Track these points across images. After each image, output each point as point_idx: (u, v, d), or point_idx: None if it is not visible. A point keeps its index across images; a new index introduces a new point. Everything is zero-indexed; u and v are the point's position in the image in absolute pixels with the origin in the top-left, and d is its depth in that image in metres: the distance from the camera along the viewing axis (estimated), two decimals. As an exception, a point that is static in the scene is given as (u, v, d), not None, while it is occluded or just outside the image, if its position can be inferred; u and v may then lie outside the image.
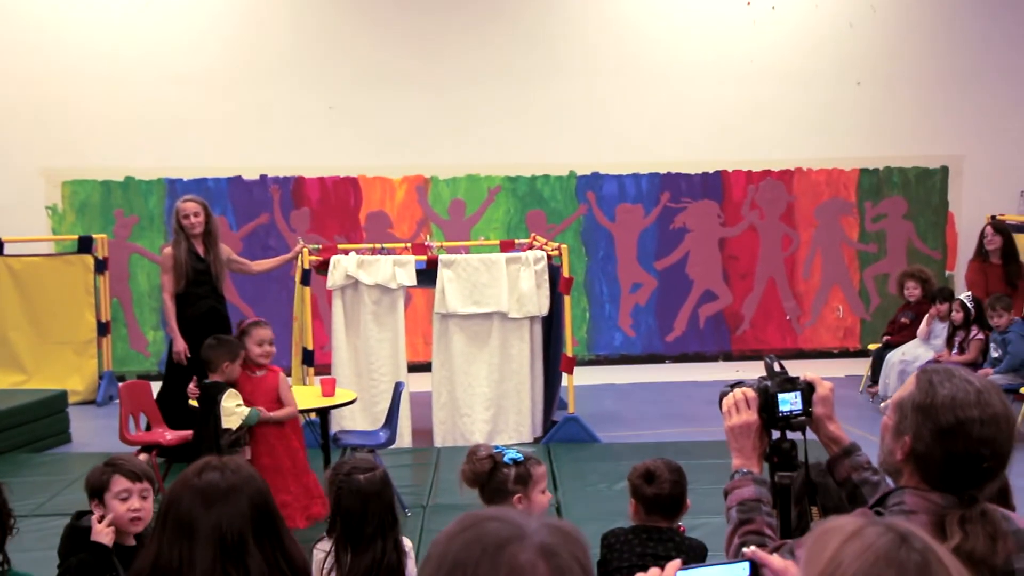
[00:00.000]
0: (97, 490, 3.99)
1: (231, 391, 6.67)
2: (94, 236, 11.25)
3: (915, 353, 9.95)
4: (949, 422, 2.43)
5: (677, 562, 2.11)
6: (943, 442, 2.43)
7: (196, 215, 8.65)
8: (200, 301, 8.67)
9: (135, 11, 11.85)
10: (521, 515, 1.55)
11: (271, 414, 6.75)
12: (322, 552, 4.16)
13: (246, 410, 6.61)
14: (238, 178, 12.10)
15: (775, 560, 2.24)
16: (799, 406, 2.86)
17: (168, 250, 8.74)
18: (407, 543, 4.25)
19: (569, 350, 9.30)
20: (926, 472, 2.47)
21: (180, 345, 8.60)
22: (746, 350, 12.50)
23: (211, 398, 6.65)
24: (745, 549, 2.28)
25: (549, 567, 1.49)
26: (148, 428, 8.19)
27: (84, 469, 4.16)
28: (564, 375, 9.40)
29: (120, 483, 3.94)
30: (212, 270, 8.71)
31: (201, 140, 11.97)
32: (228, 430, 6.61)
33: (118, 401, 8.23)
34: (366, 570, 4.03)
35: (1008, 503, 4.17)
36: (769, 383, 2.86)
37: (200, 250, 8.68)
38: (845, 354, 12.58)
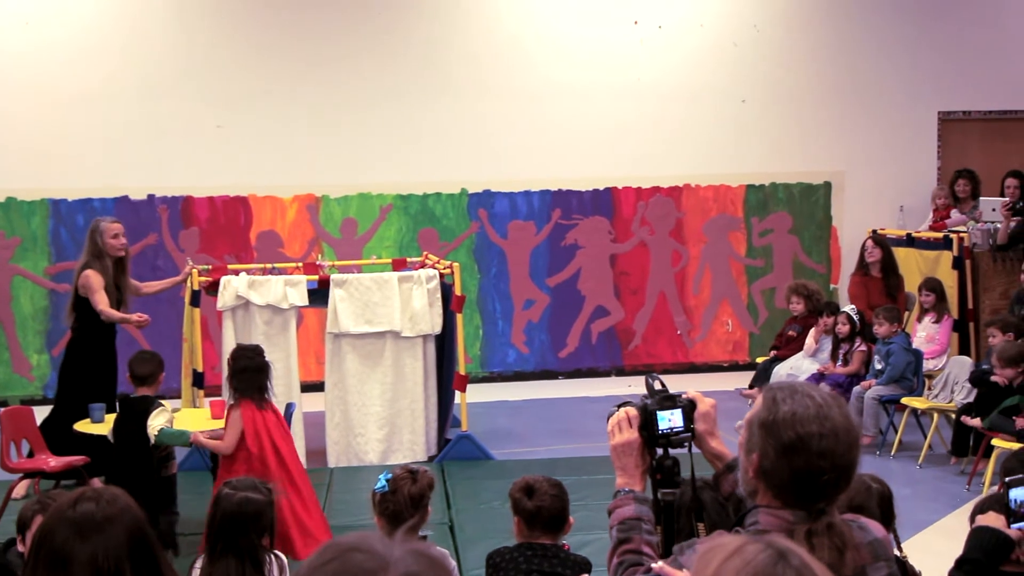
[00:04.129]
0: (21, 527, 4.08)
1: (163, 406, 6.67)
2: (-26, 258, 10.99)
3: (801, 366, 10.16)
4: (790, 438, 2.47)
5: None
6: (786, 458, 2.47)
7: (124, 236, 8.48)
8: (109, 328, 8.47)
9: (14, 28, 11.56)
10: (385, 543, 1.55)
11: (204, 440, 6.75)
12: (197, 569, 4.18)
13: (160, 426, 6.55)
14: (124, 198, 11.86)
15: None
16: (680, 423, 2.90)
17: (92, 272, 8.30)
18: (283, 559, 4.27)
19: (462, 368, 9.32)
20: (775, 489, 2.51)
21: (137, 316, 8.36)
22: (638, 365, 12.62)
23: (140, 412, 6.58)
24: (654, 565, 2.32)
25: None
26: (31, 455, 7.98)
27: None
28: (457, 393, 9.41)
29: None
30: (124, 298, 8.52)
31: (85, 159, 11.71)
32: (156, 446, 6.61)
33: (-1, 428, 8.01)
34: None
35: (889, 512, 4.29)
36: (649, 401, 2.91)
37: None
38: (735, 367, 12.76)
